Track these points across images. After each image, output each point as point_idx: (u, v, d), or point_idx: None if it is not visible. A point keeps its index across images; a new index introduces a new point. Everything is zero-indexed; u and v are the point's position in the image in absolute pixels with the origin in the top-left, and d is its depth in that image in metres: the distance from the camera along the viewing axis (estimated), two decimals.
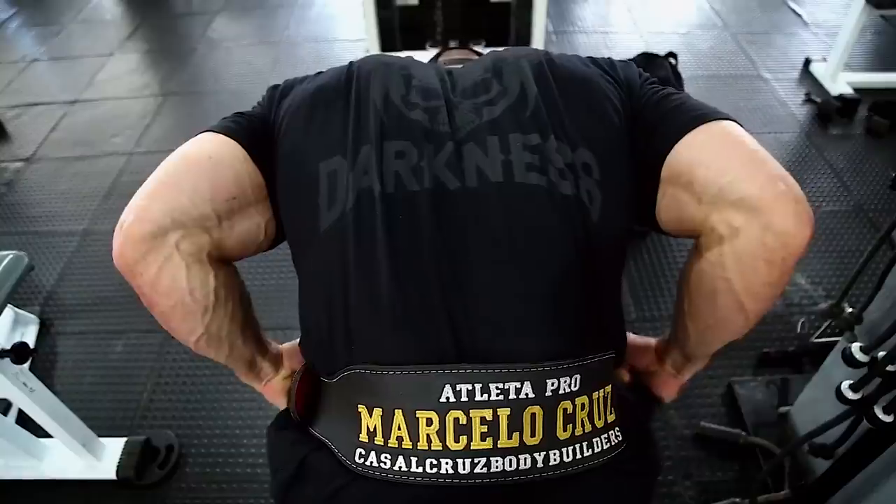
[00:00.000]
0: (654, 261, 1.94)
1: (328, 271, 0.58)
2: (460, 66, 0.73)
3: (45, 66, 3.28)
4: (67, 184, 2.42)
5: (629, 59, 0.72)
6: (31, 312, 1.85)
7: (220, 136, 0.62)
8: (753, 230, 0.51)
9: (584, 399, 0.55)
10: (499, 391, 0.52)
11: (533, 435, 0.52)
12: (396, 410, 0.53)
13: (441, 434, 0.52)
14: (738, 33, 3.09)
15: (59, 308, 1.92)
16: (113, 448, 1.46)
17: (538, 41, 2.45)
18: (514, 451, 0.52)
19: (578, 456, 0.55)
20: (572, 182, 0.58)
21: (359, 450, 0.55)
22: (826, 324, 1.59)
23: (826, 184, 2.19)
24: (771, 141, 2.40)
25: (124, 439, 1.48)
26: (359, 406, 0.55)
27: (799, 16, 3.22)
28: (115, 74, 3.12)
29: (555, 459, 0.53)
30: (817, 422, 1.05)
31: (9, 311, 1.75)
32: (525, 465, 0.52)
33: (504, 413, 0.52)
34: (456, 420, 0.52)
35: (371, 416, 0.54)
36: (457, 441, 0.52)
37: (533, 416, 0.52)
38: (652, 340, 0.78)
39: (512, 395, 0.52)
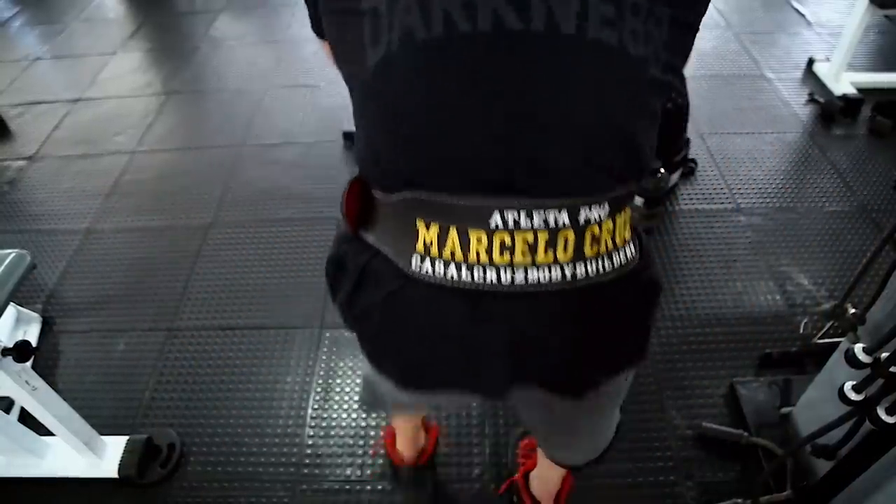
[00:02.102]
0: (655, 260, 1.94)
1: (380, 107, 0.61)
2: None
3: (47, 64, 3.28)
4: (70, 182, 2.42)
5: None
6: (34, 311, 1.85)
7: None
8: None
9: (610, 224, 0.63)
10: (541, 219, 0.59)
11: (565, 252, 0.60)
12: (451, 227, 0.60)
13: (489, 250, 0.60)
14: (741, 33, 3.09)
15: (61, 306, 1.92)
16: (115, 446, 1.47)
17: None
18: (548, 265, 0.60)
19: (601, 270, 0.62)
20: (643, 42, 0.58)
21: (415, 257, 0.62)
22: (829, 324, 1.58)
23: (829, 184, 2.18)
24: (774, 141, 2.39)
25: (126, 438, 1.48)
26: (417, 220, 0.61)
27: (802, 15, 3.21)
28: (117, 73, 3.12)
29: (581, 273, 0.61)
30: (820, 423, 1.05)
31: (11, 309, 1.76)
32: (557, 276, 0.61)
33: (543, 236, 0.59)
34: (502, 241, 0.59)
35: (428, 230, 0.61)
36: (501, 255, 0.60)
37: (566, 238, 0.60)
38: None
39: (551, 224, 0.59)
